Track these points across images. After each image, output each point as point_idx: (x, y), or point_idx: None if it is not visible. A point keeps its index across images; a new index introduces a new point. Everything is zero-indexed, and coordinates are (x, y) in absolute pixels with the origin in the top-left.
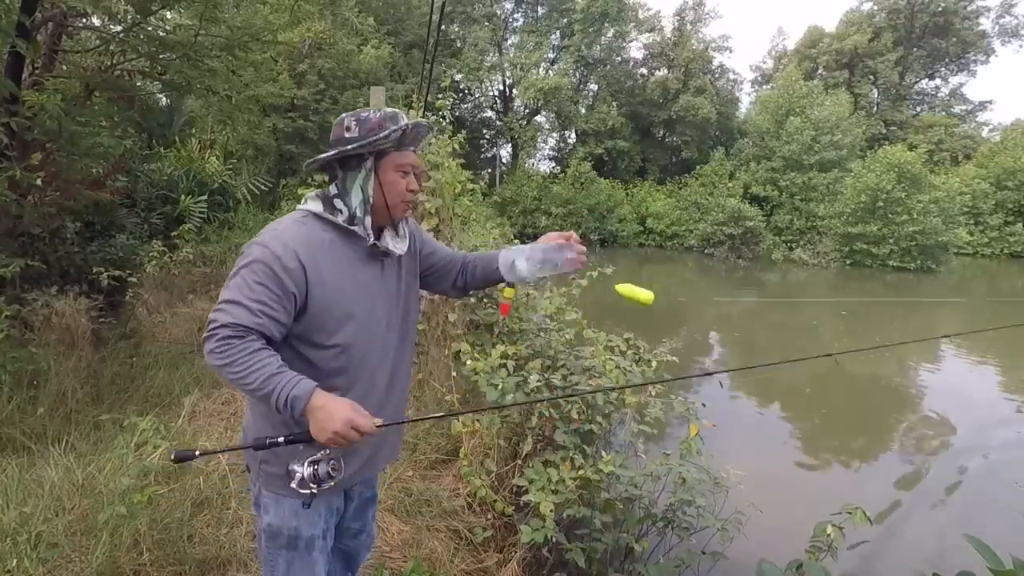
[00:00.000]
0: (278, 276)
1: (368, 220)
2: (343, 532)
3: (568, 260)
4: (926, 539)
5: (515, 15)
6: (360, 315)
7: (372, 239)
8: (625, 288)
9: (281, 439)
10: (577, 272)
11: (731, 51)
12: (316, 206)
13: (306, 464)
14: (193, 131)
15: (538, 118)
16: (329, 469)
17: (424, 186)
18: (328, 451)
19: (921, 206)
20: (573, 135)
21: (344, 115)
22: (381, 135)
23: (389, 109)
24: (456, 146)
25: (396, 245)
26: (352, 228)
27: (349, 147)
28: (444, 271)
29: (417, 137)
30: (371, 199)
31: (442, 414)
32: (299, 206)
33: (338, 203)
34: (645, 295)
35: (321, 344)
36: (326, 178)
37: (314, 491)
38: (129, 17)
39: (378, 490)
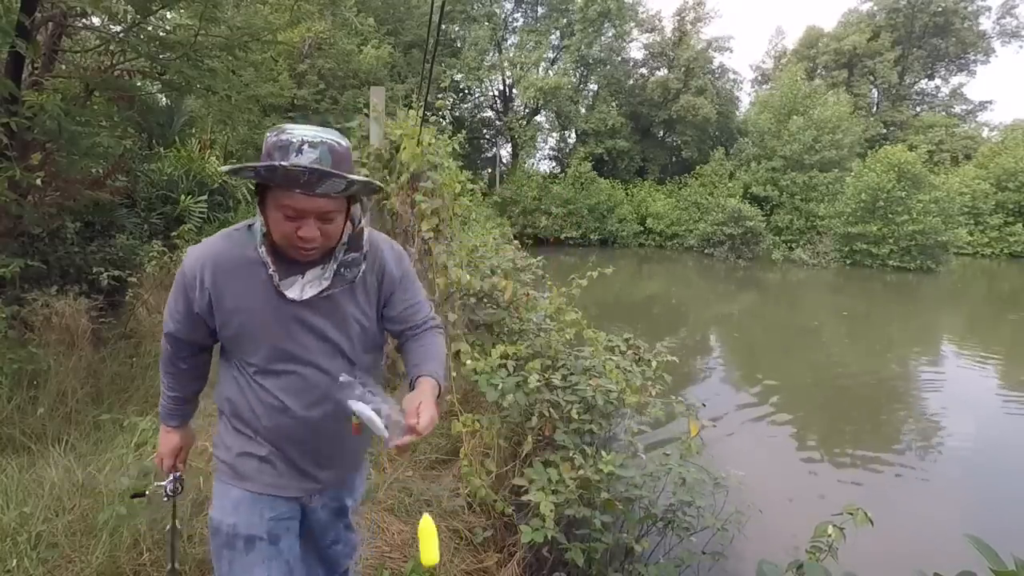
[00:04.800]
0: (186, 291)
1: (263, 248)
2: (318, 543)
3: (390, 436)
4: (927, 538)
5: (515, 15)
6: (273, 329)
7: (270, 269)
8: (427, 533)
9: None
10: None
11: (731, 51)
12: (253, 221)
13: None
14: (193, 131)
15: (538, 118)
16: (176, 484)
17: (423, 186)
18: (178, 475)
19: (921, 206)
20: (573, 135)
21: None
22: (248, 166)
23: (297, 137)
24: (456, 146)
25: (294, 289)
26: (258, 250)
27: (226, 168)
28: (395, 324)
29: (308, 182)
30: (263, 229)
31: None
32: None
33: (255, 223)
34: (428, 556)
35: (242, 354)
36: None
37: (170, 496)
38: (129, 17)
39: (348, 501)
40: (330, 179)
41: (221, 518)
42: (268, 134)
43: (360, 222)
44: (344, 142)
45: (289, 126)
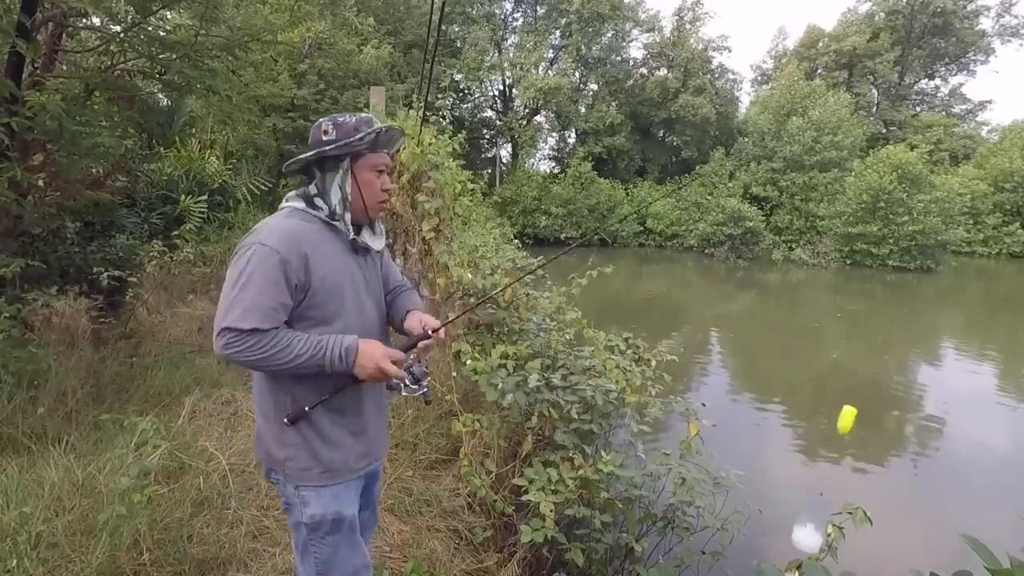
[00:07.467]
0: (283, 270)
1: (348, 216)
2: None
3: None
4: (924, 538)
5: (515, 15)
6: (350, 296)
7: (352, 234)
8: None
9: (324, 397)
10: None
11: (730, 51)
12: (298, 203)
13: (407, 378)
14: (193, 131)
15: (538, 118)
16: (424, 368)
17: (424, 186)
18: (415, 356)
19: (922, 206)
20: (573, 135)
21: (321, 120)
22: (356, 137)
23: (364, 114)
24: (456, 146)
25: (374, 242)
26: (333, 223)
27: (327, 148)
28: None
29: (391, 140)
30: (349, 197)
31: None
32: (282, 205)
33: (318, 201)
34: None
35: (323, 320)
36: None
37: (424, 387)
38: (129, 17)
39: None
40: (400, 136)
41: (325, 511)
42: (341, 119)
43: None
44: None
45: (346, 113)
